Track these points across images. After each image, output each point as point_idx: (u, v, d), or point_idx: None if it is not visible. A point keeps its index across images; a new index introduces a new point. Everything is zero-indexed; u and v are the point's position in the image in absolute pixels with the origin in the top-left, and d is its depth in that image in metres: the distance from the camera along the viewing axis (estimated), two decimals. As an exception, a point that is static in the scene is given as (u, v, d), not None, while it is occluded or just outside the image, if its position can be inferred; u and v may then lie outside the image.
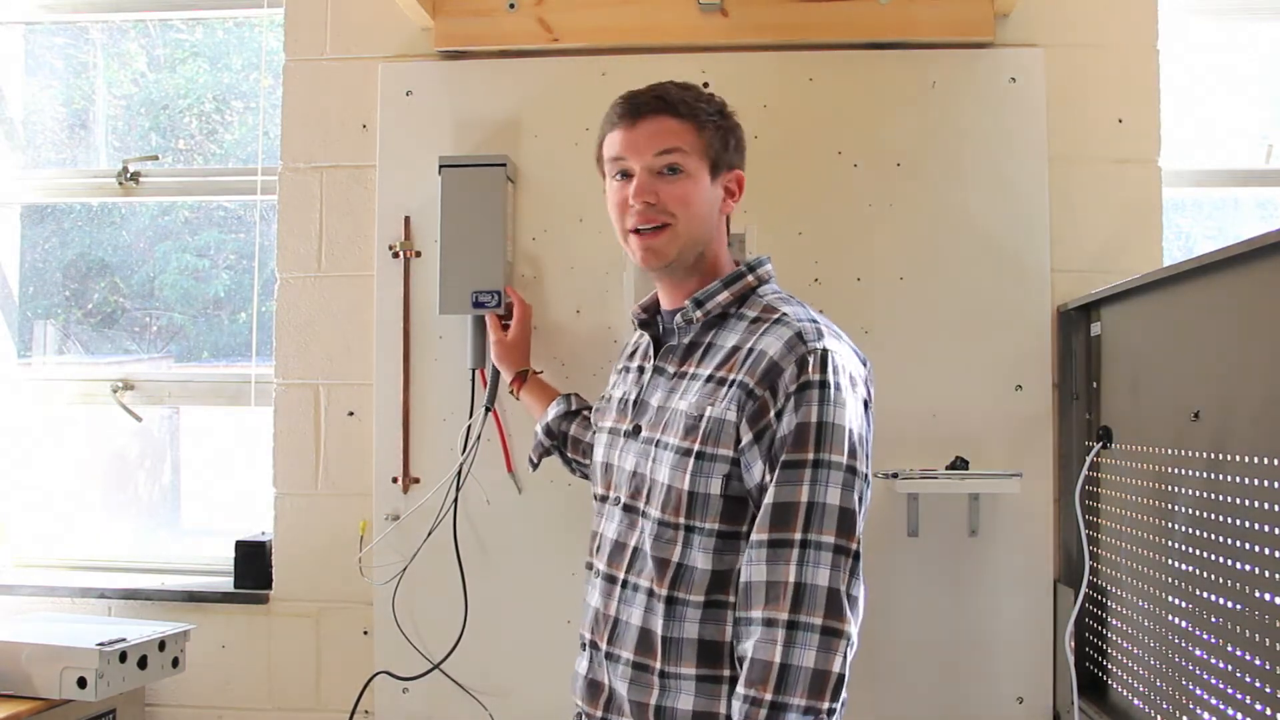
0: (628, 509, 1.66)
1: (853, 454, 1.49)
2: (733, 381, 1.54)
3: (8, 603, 2.86)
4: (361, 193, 2.71)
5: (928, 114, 2.59)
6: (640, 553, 1.61)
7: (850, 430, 1.49)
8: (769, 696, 1.42)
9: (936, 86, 2.59)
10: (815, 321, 1.57)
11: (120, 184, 3.02)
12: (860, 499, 1.51)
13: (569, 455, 2.22)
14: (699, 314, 1.67)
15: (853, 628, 1.47)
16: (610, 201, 1.75)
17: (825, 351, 1.51)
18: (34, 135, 3.27)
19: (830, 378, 1.49)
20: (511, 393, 2.42)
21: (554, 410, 2.24)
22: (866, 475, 1.53)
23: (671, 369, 1.68)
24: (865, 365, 1.62)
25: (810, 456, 1.47)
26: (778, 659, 1.43)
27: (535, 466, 2.30)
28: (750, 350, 1.56)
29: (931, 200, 2.57)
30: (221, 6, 3.09)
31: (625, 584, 1.64)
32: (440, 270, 2.51)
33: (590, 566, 1.77)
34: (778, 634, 1.44)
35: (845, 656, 1.45)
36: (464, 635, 2.56)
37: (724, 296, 1.66)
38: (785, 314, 1.59)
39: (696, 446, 1.55)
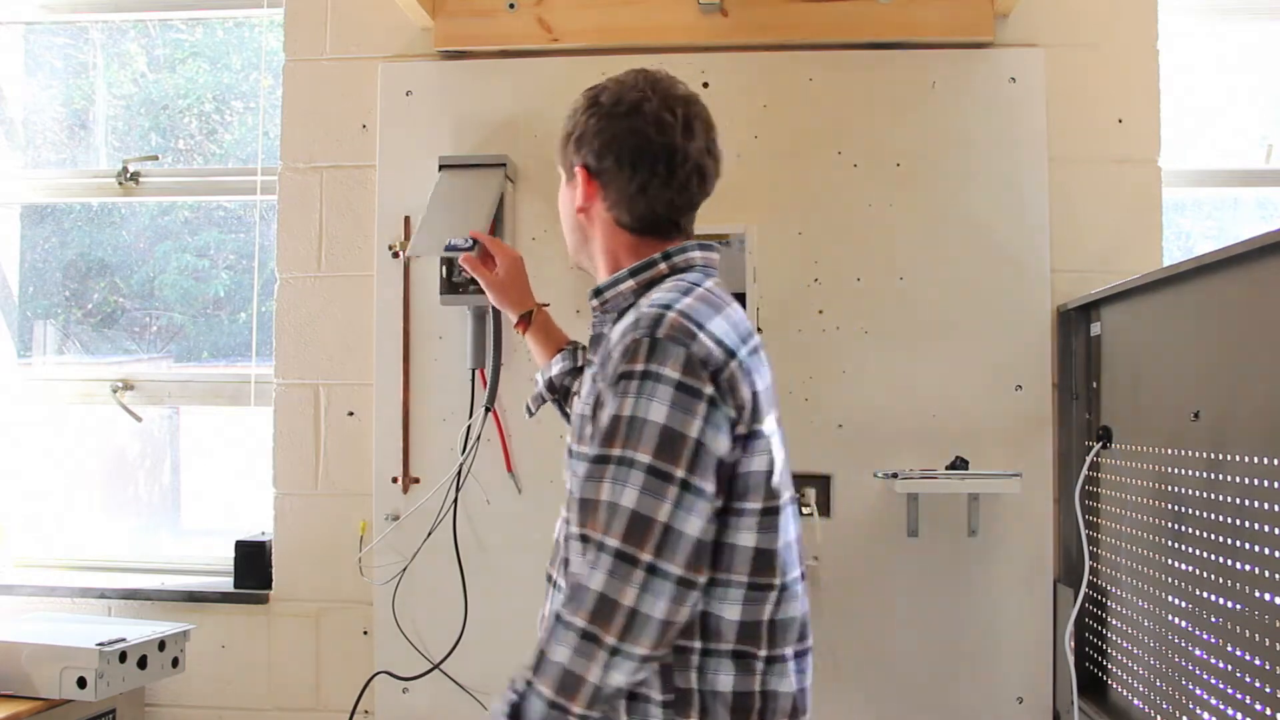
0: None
1: (663, 454, 1.29)
2: (593, 375, 1.48)
3: (8, 603, 2.86)
4: (361, 193, 2.71)
5: (928, 114, 2.59)
6: (559, 548, 1.57)
7: (666, 428, 1.30)
8: (539, 688, 1.34)
9: (936, 87, 2.59)
10: (670, 307, 1.37)
11: (120, 184, 3.02)
12: (675, 509, 1.28)
13: (568, 410, 2.10)
14: (596, 303, 1.58)
15: (614, 640, 1.28)
16: None
17: (655, 340, 1.33)
18: (34, 135, 3.27)
19: (654, 368, 1.32)
20: (517, 331, 2.17)
21: (558, 365, 2.06)
22: (692, 484, 1.30)
23: (586, 363, 1.65)
24: (734, 356, 1.37)
25: (615, 453, 1.31)
26: (545, 652, 1.34)
27: (531, 414, 2.13)
28: (608, 340, 1.47)
29: (931, 200, 2.57)
30: (221, 6, 3.09)
31: (550, 579, 1.61)
32: (422, 220, 2.47)
33: None
34: (554, 629, 1.33)
35: (603, 665, 1.29)
36: (464, 635, 2.57)
37: (627, 285, 1.52)
38: (648, 299, 1.45)
39: (570, 444, 1.51)
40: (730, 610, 1.37)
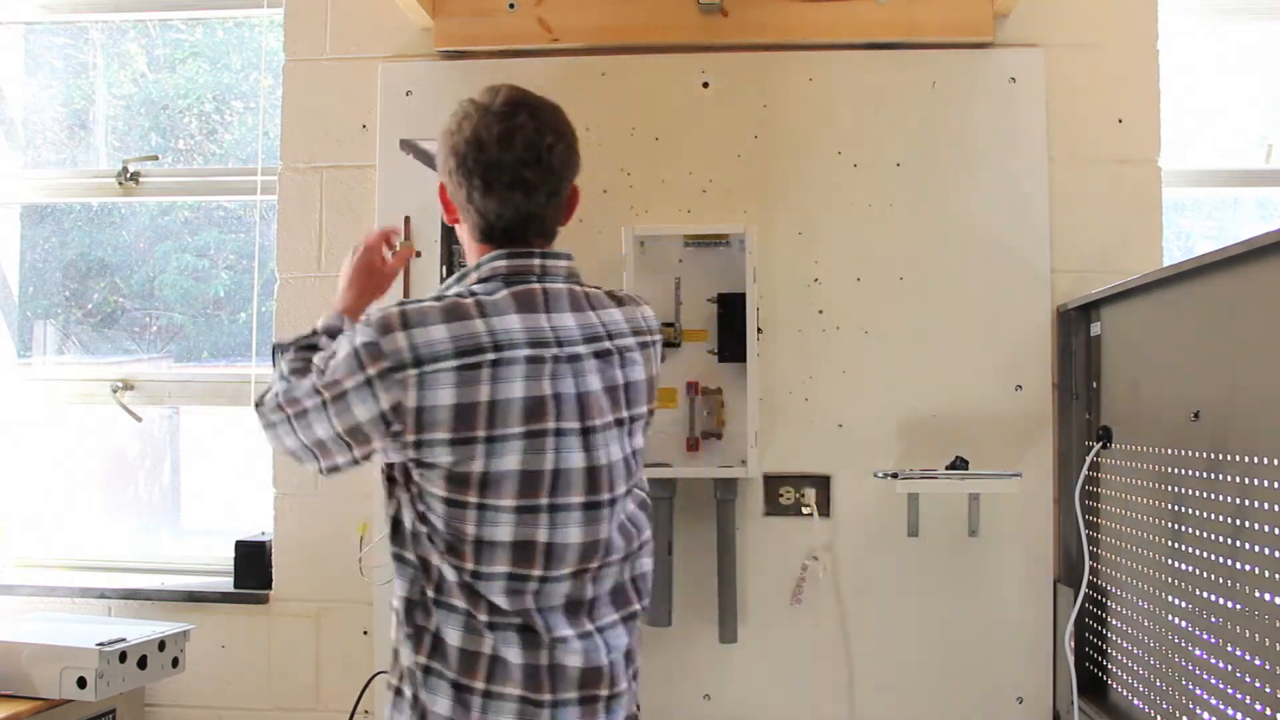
0: None
1: (328, 378, 1.51)
2: None
3: (8, 603, 2.86)
4: (361, 193, 2.71)
5: (928, 114, 2.59)
6: None
7: (338, 365, 1.50)
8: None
9: (936, 87, 2.59)
10: (401, 304, 1.52)
11: (120, 184, 3.02)
12: (320, 408, 1.52)
13: None
14: None
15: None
16: None
17: (367, 322, 1.50)
18: (34, 135, 3.27)
19: (352, 333, 1.51)
20: None
21: None
22: (329, 405, 1.50)
23: None
24: (420, 365, 1.47)
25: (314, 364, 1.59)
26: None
27: None
28: None
29: (931, 200, 2.57)
30: (221, 6, 3.09)
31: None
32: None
33: None
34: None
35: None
36: (464, 635, 2.55)
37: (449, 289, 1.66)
38: None
39: None
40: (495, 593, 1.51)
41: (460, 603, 1.51)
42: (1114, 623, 2.25)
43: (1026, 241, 2.54)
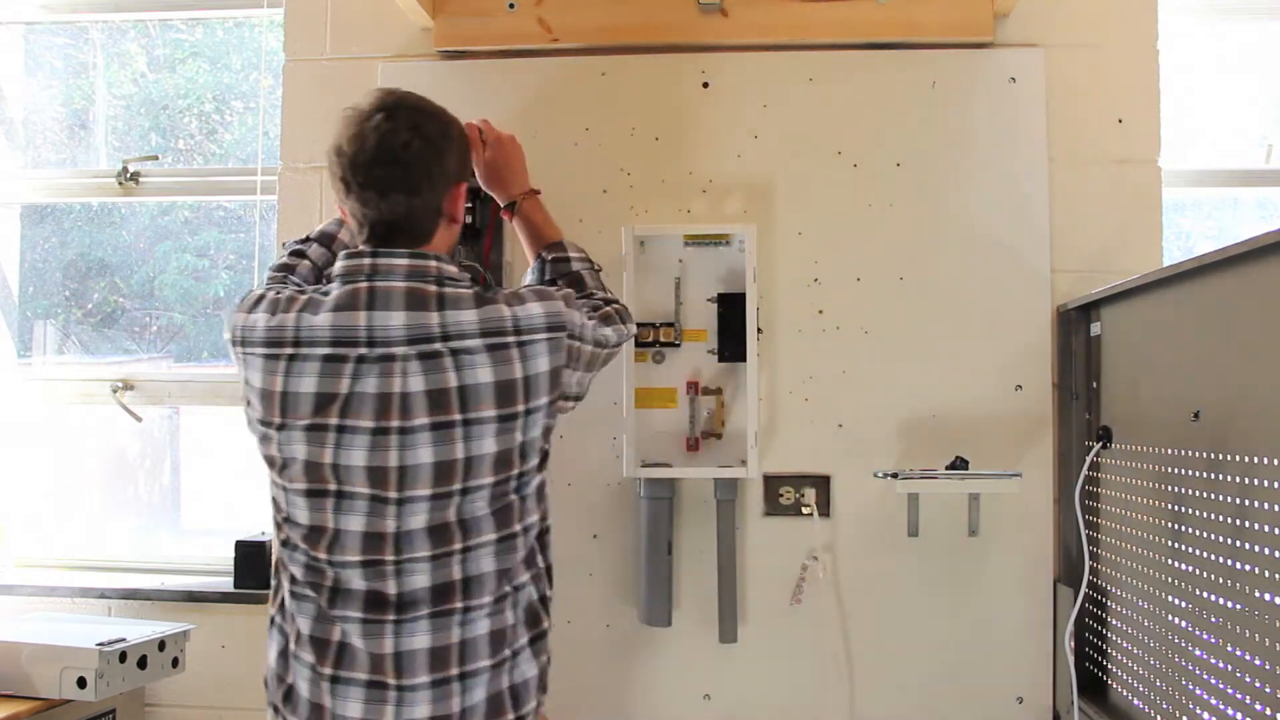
0: None
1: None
2: None
3: (7, 603, 2.86)
4: (361, 193, 2.70)
5: (928, 114, 2.59)
6: None
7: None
8: None
9: (936, 86, 2.59)
10: (253, 290, 1.78)
11: (120, 184, 3.02)
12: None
13: None
14: None
15: None
16: None
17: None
18: (34, 135, 3.27)
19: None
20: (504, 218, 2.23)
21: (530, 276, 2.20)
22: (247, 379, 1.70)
23: None
24: (236, 345, 1.71)
25: None
26: None
27: None
28: None
29: (931, 200, 2.57)
30: (221, 6, 3.09)
31: None
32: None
33: None
34: None
35: None
36: (464, 635, 2.55)
37: None
38: None
39: None
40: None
41: (283, 570, 1.72)
42: (1114, 623, 2.25)
43: (1026, 241, 2.54)
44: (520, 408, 1.66)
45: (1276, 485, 1.56)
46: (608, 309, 1.92)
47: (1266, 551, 1.58)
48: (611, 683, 2.59)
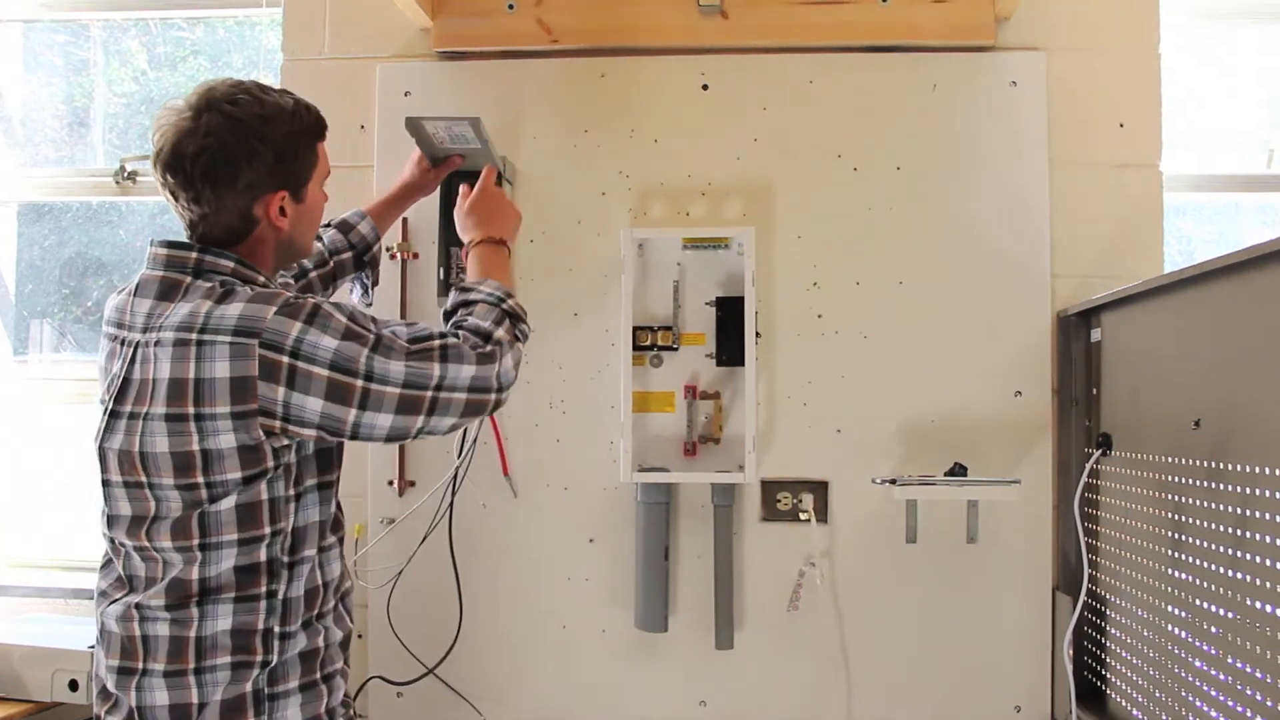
0: None
1: None
2: None
3: (0, 604, 2.84)
4: (359, 192, 2.67)
5: (928, 117, 2.57)
6: None
7: None
8: None
9: (937, 90, 2.58)
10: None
11: (118, 183, 3.01)
12: None
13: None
14: None
15: None
16: (321, 206, 1.88)
17: None
18: (33, 133, 3.26)
19: None
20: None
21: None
22: None
23: None
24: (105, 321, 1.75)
25: None
26: None
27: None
28: None
29: (931, 204, 2.56)
30: (220, 5, 3.08)
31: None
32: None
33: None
34: None
35: None
36: (458, 639, 2.55)
37: None
38: None
39: None
40: None
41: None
42: (1113, 631, 2.23)
43: (1027, 246, 2.53)
44: (189, 409, 1.58)
45: (1277, 495, 1.54)
46: (434, 342, 1.70)
47: (1267, 562, 1.57)
48: (606, 688, 2.58)
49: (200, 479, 1.59)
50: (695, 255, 2.55)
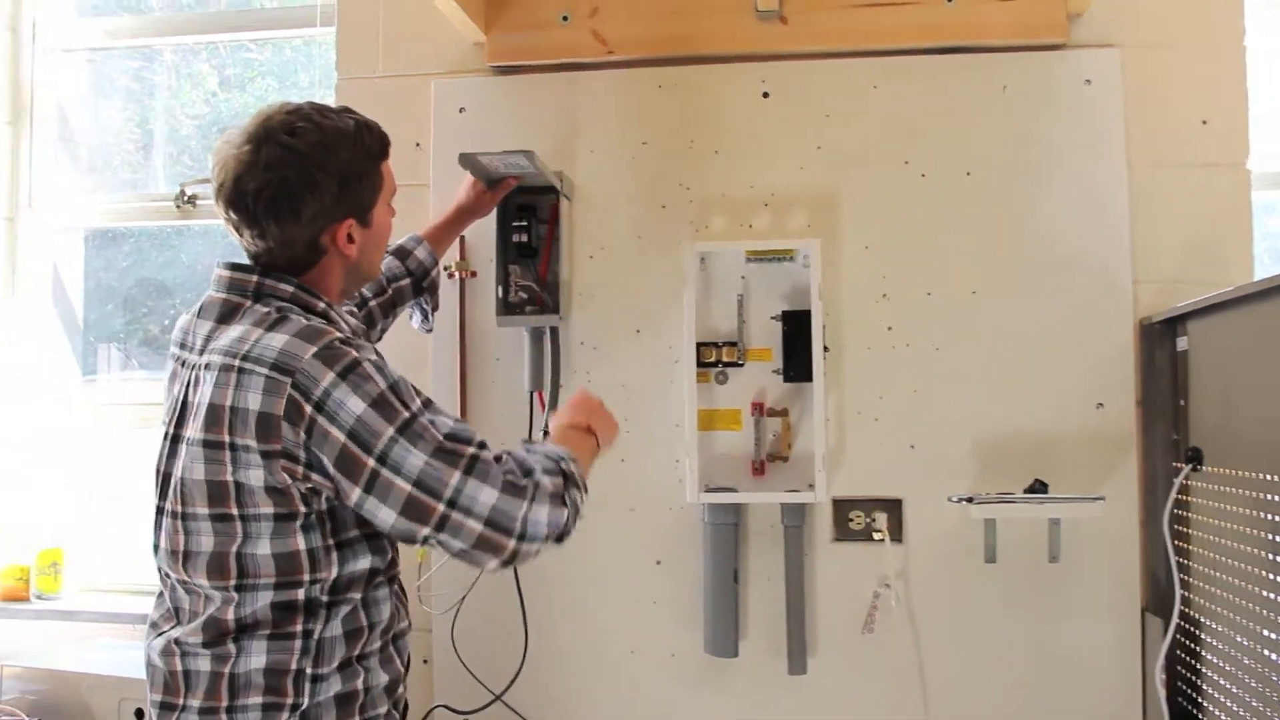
0: None
1: None
2: None
3: (69, 629, 2.86)
4: (416, 212, 2.65)
5: (999, 120, 2.48)
6: None
7: None
8: None
9: (1007, 91, 2.48)
10: None
11: (178, 207, 3.02)
12: None
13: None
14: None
15: None
16: (389, 226, 1.82)
17: None
18: (102, 159, 3.29)
19: None
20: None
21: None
22: None
23: None
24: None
25: None
26: None
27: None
28: None
29: (1004, 210, 2.46)
30: (279, 26, 3.12)
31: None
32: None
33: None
34: None
35: None
36: (524, 665, 2.49)
37: None
38: None
39: None
40: None
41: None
42: (1207, 655, 2.12)
43: (1106, 252, 2.42)
44: (225, 438, 1.52)
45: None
46: (467, 448, 1.54)
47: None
48: (676, 715, 2.51)
49: (234, 510, 1.54)
50: (759, 268, 2.48)
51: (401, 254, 2.32)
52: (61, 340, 3.22)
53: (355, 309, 2.18)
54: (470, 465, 1.53)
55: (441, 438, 1.53)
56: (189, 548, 1.58)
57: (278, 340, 1.54)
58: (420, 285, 2.33)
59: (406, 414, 1.52)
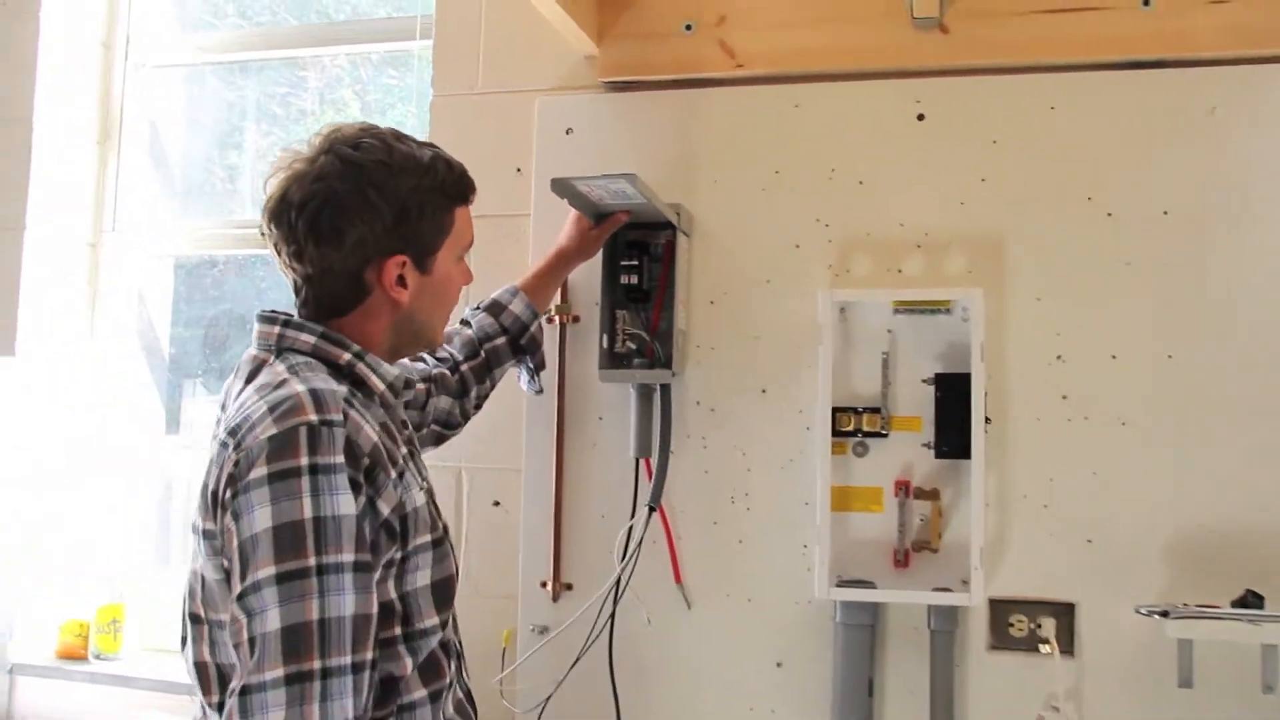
0: None
1: None
2: None
3: (127, 696, 2.70)
4: (514, 247, 2.42)
5: (1204, 148, 2.12)
6: None
7: None
8: None
9: (1216, 113, 2.12)
10: None
11: (261, 234, 2.82)
12: None
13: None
14: None
15: None
16: (457, 284, 1.65)
17: None
18: (188, 182, 3.21)
19: None
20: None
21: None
22: None
23: None
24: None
25: None
26: None
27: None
28: None
29: (1209, 256, 2.10)
30: (373, 40, 2.99)
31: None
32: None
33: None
34: None
35: None
36: (619, 775, 2.19)
37: None
38: None
39: None
40: None
41: None
42: None
43: (1337, 308, 2.05)
44: (202, 523, 1.37)
45: None
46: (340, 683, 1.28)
47: None
48: (797, 847, 2.18)
49: (201, 611, 1.39)
50: (909, 321, 2.18)
51: (495, 309, 2.11)
52: (145, 376, 3.10)
53: (447, 372, 2.00)
54: (301, 677, 1.23)
55: (314, 621, 1.24)
56: (185, 650, 1.46)
57: (256, 409, 1.34)
58: (518, 344, 2.12)
59: (305, 563, 1.26)
